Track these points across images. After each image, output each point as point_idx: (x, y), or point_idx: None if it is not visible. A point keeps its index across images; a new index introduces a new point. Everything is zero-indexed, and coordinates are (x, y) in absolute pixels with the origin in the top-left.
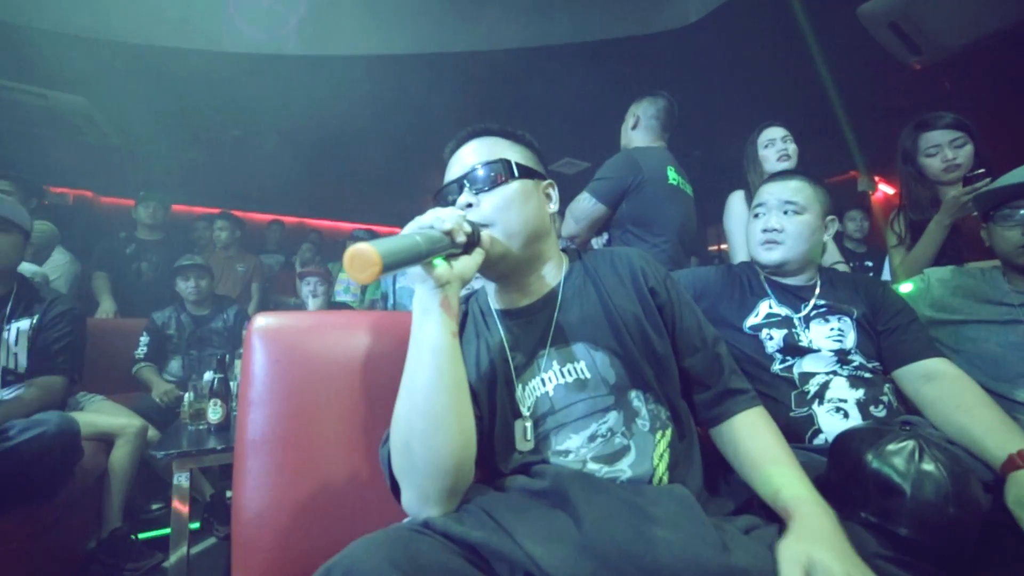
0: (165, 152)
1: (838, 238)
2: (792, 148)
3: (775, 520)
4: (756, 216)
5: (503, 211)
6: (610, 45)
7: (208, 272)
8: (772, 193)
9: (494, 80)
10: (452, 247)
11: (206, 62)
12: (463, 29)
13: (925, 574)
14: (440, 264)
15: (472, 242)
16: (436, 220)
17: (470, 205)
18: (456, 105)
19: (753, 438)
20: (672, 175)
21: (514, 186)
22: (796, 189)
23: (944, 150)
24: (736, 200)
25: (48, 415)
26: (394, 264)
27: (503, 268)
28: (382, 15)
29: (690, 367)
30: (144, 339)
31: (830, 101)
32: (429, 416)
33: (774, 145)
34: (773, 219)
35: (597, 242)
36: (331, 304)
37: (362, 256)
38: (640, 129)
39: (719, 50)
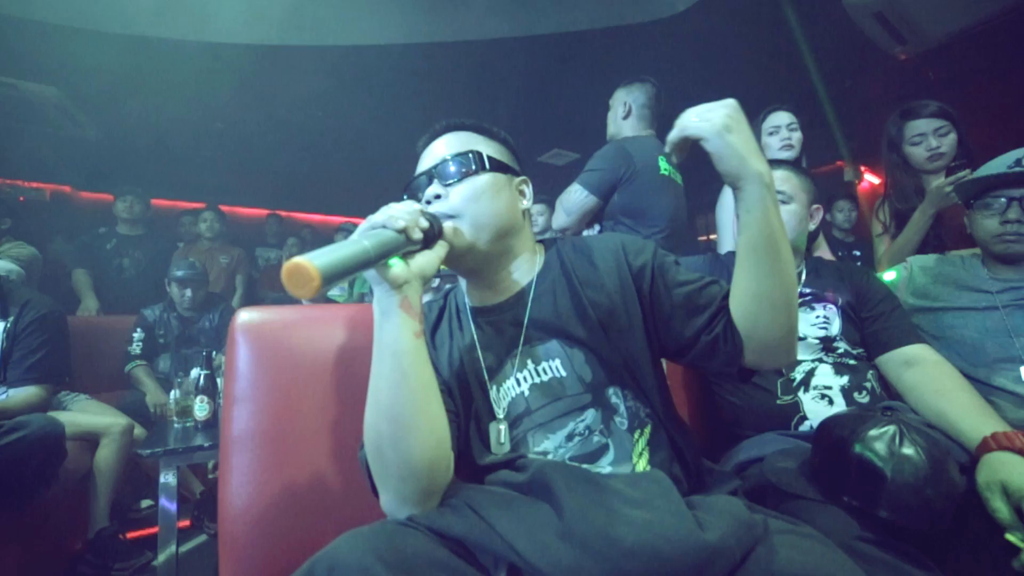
0: (146, 145)
1: (826, 228)
2: (796, 137)
3: (758, 503)
4: None
5: (471, 202)
6: (598, 35)
7: (204, 282)
8: None
9: (482, 70)
10: (409, 245)
11: (186, 52)
12: (450, 19)
13: (902, 553)
14: (396, 264)
15: (432, 236)
16: (388, 219)
17: (438, 197)
18: (443, 96)
19: None
20: (663, 165)
21: (484, 178)
22: (782, 179)
23: (928, 138)
24: (731, 192)
25: (31, 417)
26: (335, 276)
27: (470, 262)
28: (368, 5)
29: (704, 323)
30: (138, 335)
31: (816, 91)
32: (396, 421)
33: (778, 133)
34: None
35: (588, 234)
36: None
37: (299, 271)
38: (632, 118)
39: (707, 39)
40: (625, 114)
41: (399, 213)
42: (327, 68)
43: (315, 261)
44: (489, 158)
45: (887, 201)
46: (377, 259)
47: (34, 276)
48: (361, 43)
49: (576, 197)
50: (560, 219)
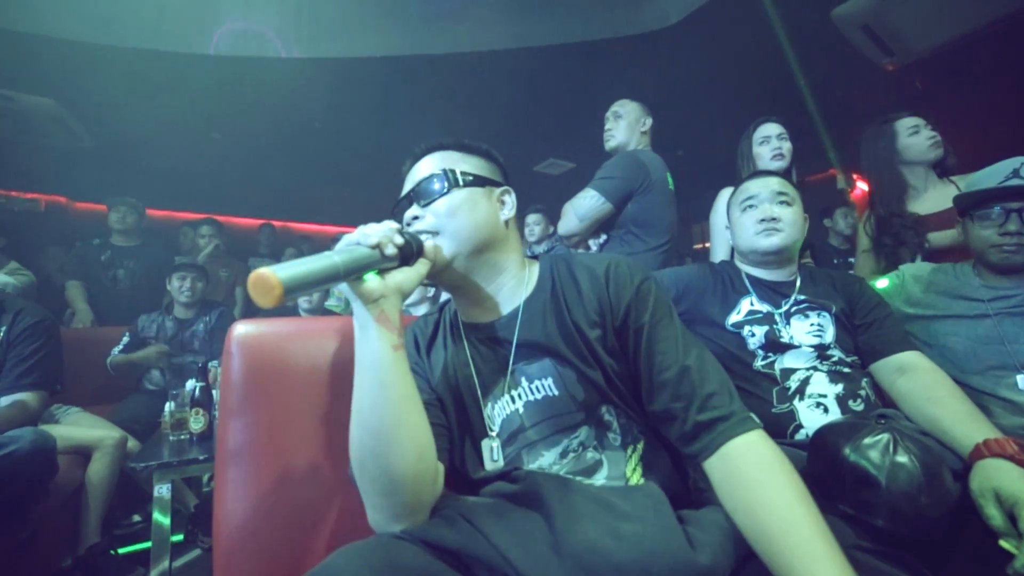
0: (142, 156)
1: (824, 234)
2: (787, 147)
3: None
4: (747, 208)
5: (448, 218)
6: (592, 46)
7: (204, 276)
8: (763, 186)
9: (478, 82)
10: (383, 261)
11: (182, 65)
12: (446, 31)
13: (899, 561)
14: (370, 279)
15: (409, 254)
16: (362, 236)
17: (416, 218)
18: (440, 107)
19: (758, 494)
20: (670, 180)
21: (460, 194)
22: (783, 183)
23: (923, 129)
24: (725, 197)
25: (22, 432)
26: (298, 287)
27: (453, 278)
28: (364, 17)
29: (662, 388)
30: (125, 339)
31: (807, 101)
32: (377, 432)
33: (769, 143)
34: (769, 209)
35: (594, 243)
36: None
37: (262, 280)
38: (647, 136)
39: (700, 51)
40: (645, 130)
41: (371, 231)
42: (323, 79)
43: (279, 272)
44: (463, 173)
45: (872, 213)
46: (347, 274)
47: (29, 299)
48: (357, 55)
49: (591, 203)
50: (571, 224)
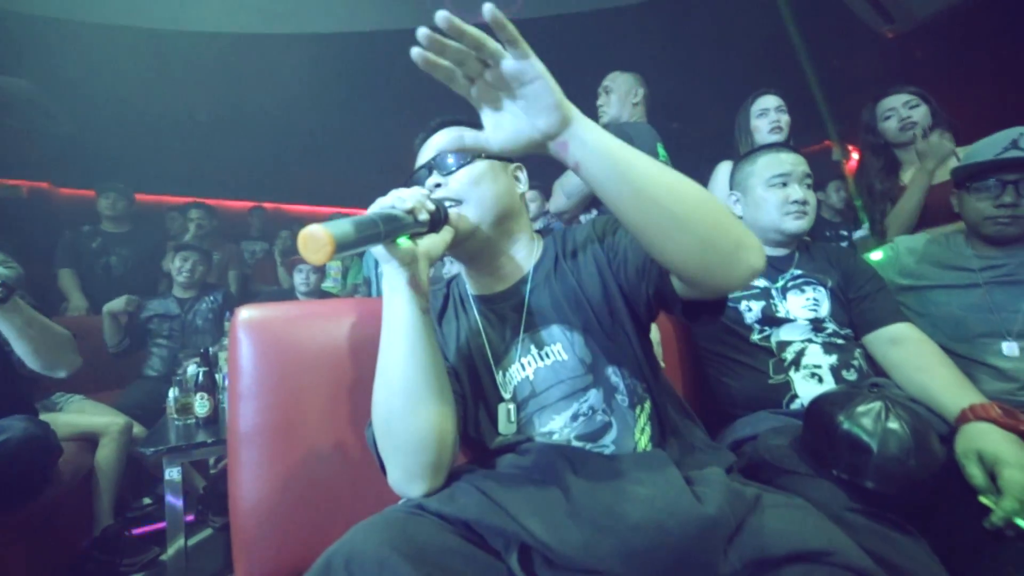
0: (127, 139)
1: (818, 207)
2: (785, 119)
3: (753, 479)
4: (777, 185)
5: (472, 187)
6: (585, 18)
7: (208, 260)
8: (795, 164)
9: None
10: (416, 226)
11: (163, 42)
12: (432, 4)
13: (888, 521)
14: (404, 243)
15: (438, 220)
16: (397, 200)
17: (438, 186)
18: (428, 82)
19: None
20: (662, 152)
21: (480, 165)
22: (802, 161)
23: (899, 110)
24: (724, 171)
25: (12, 420)
26: (347, 245)
27: (473, 247)
28: None
29: (643, 270)
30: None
31: (805, 71)
32: (405, 393)
33: (767, 115)
34: (801, 191)
35: (585, 218)
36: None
37: (314, 238)
38: (640, 107)
39: (695, 21)
40: (637, 101)
41: (406, 196)
42: (309, 56)
43: (330, 229)
44: None
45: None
46: (386, 235)
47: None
48: (343, 30)
49: (577, 180)
50: (560, 202)
